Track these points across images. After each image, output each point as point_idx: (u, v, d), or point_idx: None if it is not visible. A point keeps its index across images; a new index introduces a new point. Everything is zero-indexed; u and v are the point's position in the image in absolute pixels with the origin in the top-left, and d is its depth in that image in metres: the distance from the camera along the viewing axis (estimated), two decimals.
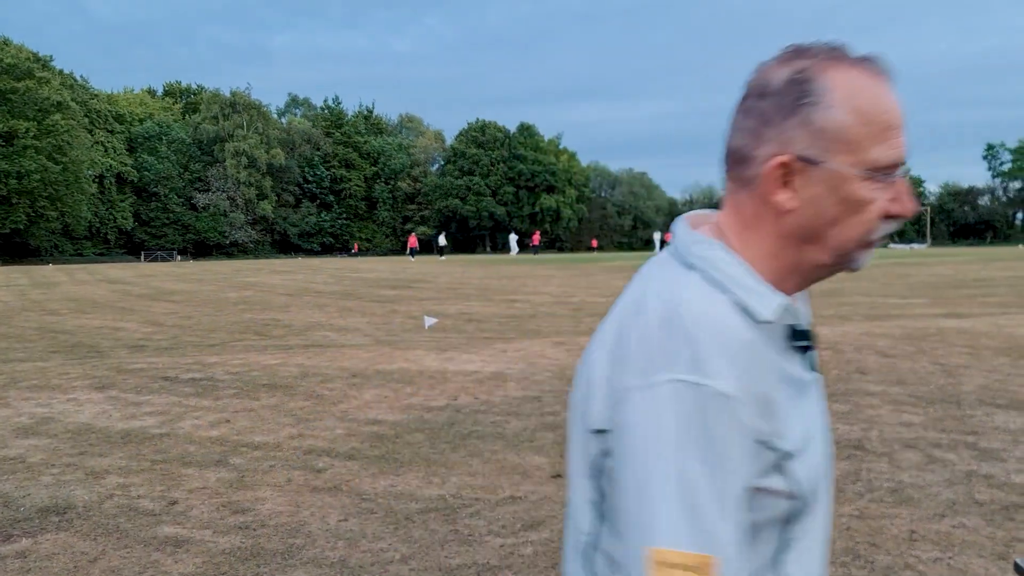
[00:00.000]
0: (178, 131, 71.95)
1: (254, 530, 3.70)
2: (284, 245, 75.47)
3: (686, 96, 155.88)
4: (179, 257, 67.26)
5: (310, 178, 76.96)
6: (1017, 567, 2.31)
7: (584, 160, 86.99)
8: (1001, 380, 6.92)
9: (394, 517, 3.82)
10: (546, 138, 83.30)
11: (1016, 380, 6.92)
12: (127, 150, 68.91)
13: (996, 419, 5.52)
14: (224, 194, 70.37)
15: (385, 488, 4.26)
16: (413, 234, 63.40)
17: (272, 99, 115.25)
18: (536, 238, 64.11)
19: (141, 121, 71.85)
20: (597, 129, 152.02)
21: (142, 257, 65.44)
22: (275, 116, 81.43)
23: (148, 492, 4.27)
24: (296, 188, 76.48)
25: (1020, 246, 59.63)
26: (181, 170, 70.70)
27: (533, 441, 5.14)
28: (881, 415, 5.70)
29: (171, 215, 69.84)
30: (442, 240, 60.38)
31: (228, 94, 74.86)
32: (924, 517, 3.71)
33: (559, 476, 4.40)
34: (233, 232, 71.05)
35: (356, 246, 74.51)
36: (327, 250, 75.20)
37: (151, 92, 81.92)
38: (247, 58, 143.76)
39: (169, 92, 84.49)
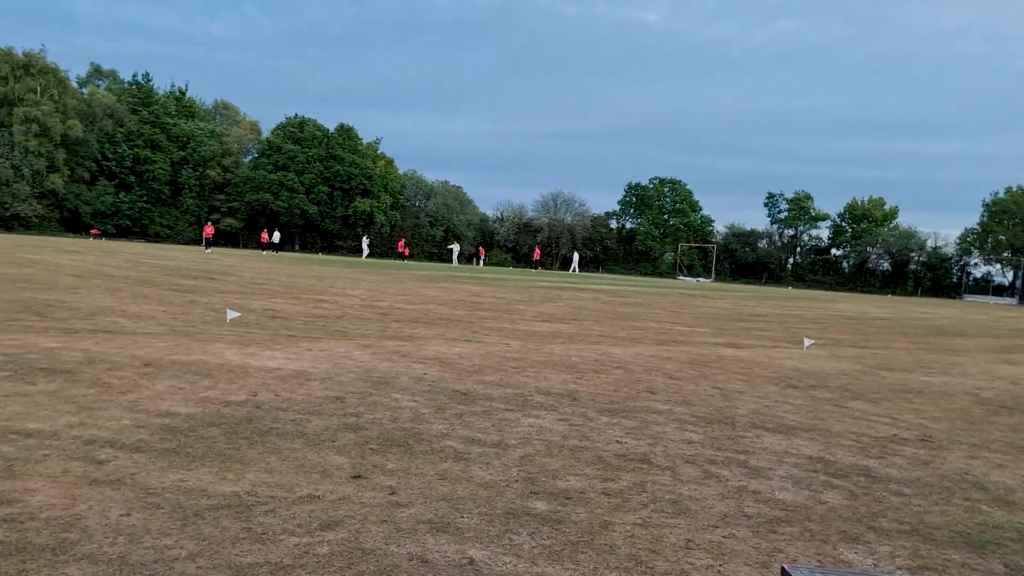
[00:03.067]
0: None
1: (21, 523, 3.40)
2: (74, 224, 69.51)
3: (500, 118, 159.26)
4: None
5: (110, 155, 71.48)
6: (784, 572, 2.57)
7: (402, 168, 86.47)
8: (770, 406, 7.61)
9: (182, 513, 3.64)
10: (365, 141, 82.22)
11: (783, 406, 7.63)
12: None
13: (764, 441, 6.07)
14: (8, 162, 63.94)
15: (174, 483, 4.05)
16: (209, 223, 59.29)
17: (72, 66, 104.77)
18: (400, 245, 63.78)
19: None
20: (415, 139, 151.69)
21: None
22: (75, 85, 75.13)
23: None
24: (93, 164, 70.72)
25: (789, 287, 66.61)
26: None
27: (335, 441, 5.07)
28: (666, 432, 6.10)
29: None
30: (276, 237, 58.84)
31: (20, 54, 68.27)
32: (699, 527, 4.01)
33: (359, 476, 4.37)
34: (15, 204, 64.59)
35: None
36: (123, 233, 70.09)
37: None
38: (44, 19, 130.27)
39: None
